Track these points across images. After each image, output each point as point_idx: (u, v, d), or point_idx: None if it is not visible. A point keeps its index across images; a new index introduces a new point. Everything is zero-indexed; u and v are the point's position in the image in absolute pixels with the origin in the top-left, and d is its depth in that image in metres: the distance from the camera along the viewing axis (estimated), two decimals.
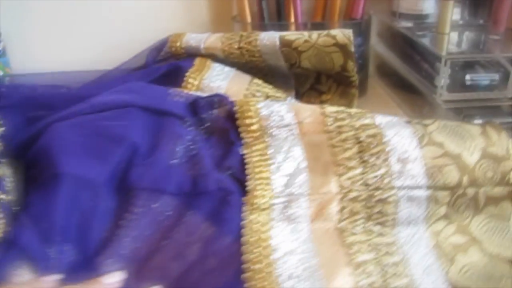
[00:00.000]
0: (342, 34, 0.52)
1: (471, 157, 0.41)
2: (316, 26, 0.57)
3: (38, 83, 0.51)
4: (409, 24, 0.66)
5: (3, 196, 0.35)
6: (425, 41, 0.60)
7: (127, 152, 0.42)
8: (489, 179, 0.41)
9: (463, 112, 0.56)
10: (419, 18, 0.66)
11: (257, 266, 0.36)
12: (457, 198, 0.41)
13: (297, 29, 0.61)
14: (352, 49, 0.52)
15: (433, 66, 0.57)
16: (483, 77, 0.55)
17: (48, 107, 0.45)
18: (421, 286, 0.36)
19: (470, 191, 0.41)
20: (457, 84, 0.55)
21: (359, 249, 0.38)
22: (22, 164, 0.39)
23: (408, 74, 0.63)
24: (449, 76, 0.55)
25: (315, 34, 0.53)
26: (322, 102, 0.49)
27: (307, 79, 0.56)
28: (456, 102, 0.56)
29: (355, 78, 0.54)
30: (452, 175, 0.41)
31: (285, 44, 0.53)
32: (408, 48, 0.64)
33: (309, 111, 0.45)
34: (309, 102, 0.55)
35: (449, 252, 0.39)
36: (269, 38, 0.54)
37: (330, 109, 0.45)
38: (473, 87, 0.55)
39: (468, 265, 0.38)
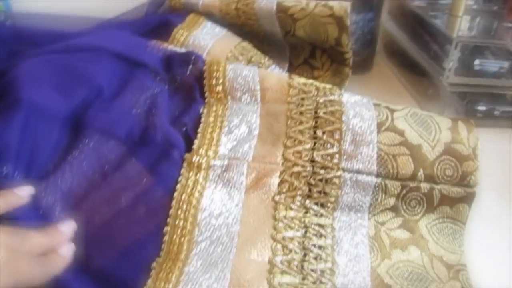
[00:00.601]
0: (340, 5, 0.49)
1: (432, 150, 0.38)
2: None
3: (35, 24, 0.52)
4: (422, 3, 0.64)
5: None
6: (437, 22, 0.58)
7: (90, 93, 0.42)
8: (448, 178, 0.38)
9: (467, 97, 0.55)
10: None
11: (181, 223, 0.35)
12: (409, 191, 0.38)
13: None
14: (348, 22, 0.49)
15: (443, 48, 0.55)
16: (492, 64, 0.54)
17: (31, 45, 0.46)
18: (341, 275, 0.34)
19: (425, 186, 0.38)
20: (465, 68, 0.54)
21: (288, 224, 0.36)
22: None
23: (416, 54, 0.61)
24: (458, 59, 0.53)
25: (312, 3, 0.50)
26: (314, 78, 0.47)
27: (301, 52, 0.54)
28: (462, 86, 0.55)
29: (349, 55, 0.51)
30: (406, 166, 0.38)
31: (281, 10, 0.51)
32: (419, 27, 0.62)
33: (276, 79, 0.43)
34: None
35: (387, 246, 0.37)
36: (267, 2, 0.52)
37: (297, 80, 0.43)
38: (481, 73, 0.54)
39: (401, 263, 0.36)
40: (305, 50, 0.55)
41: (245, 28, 0.55)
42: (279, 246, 0.35)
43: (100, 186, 0.38)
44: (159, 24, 0.54)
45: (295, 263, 0.34)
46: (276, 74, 0.45)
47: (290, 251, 0.35)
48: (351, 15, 0.49)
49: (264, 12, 0.53)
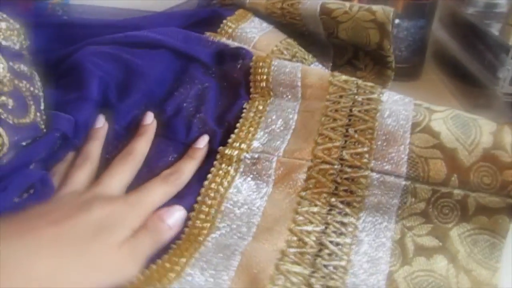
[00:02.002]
0: (383, 11, 0.48)
1: (469, 155, 0.36)
2: (378, 1, 0.53)
3: (92, 16, 0.57)
4: (476, 11, 0.63)
5: (35, 90, 0.42)
6: (492, 31, 0.57)
7: (146, 93, 0.46)
8: (486, 186, 0.35)
9: None
10: (488, 6, 0.63)
11: (206, 209, 0.38)
12: (441, 197, 0.36)
13: None
14: (390, 28, 0.48)
15: (498, 57, 0.53)
16: None
17: (90, 36, 0.51)
18: (353, 275, 0.34)
19: (459, 193, 0.36)
20: None
21: (309, 219, 0.37)
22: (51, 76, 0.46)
23: (468, 63, 0.60)
24: None
25: (356, 7, 0.50)
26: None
27: (345, 52, 0.54)
28: None
29: (392, 59, 0.50)
30: (439, 171, 0.36)
31: (325, 12, 0.51)
32: (472, 36, 0.61)
33: (318, 76, 0.44)
34: None
35: (410, 252, 0.36)
36: (312, 3, 0.52)
37: (339, 77, 0.43)
38: None
39: (422, 272, 0.34)
40: (348, 51, 0.55)
41: (290, 27, 0.56)
42: (294, 238, 0.36)
43: (141, 170, 0.41)
44: (209, 16, 0.57)
45: (308, 256, 0.35)
46: (318, 71, 0.45)
47: (305, 244, 0.35)
48: (402, 21, 0.48)
49: (308, 13, 0.54)
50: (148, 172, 0.40)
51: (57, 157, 0.40)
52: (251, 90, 0.46)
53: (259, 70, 0.45)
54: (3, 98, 0.36)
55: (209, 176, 0.40)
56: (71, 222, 0.32)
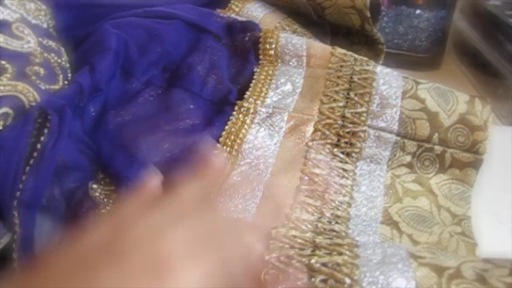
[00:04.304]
0: None
1: (448, 119, 0.44)
2: None
3: None
4: (497, 2, 0.64)
5: (62, 62, 0.45)
6: None
7: (164, 52, 0.51)
8: (460, 144, 0.44)
9: None
10: None
11: (228, 149, 0.43)
12: (424, 151, 0.44)
13: None
14: (368, 14, 0.55)
15: None
16: None
17: (107, 13, 0.55)
18: (355, 208, 0.41)
19: (438, 149, 0.44)
20: None
21: (316, 163, 0.43)
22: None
23: (488, 53, 0.61)
24: None
25: None
26: (352, 51, 0.53)
27: (339, 29, 0.61)
28: None
29: (378, 36, 0.57)
30: (423, 129, 0.44)
31: None
32: (493, 27, 0.62)
33: (321, 48, 0.50)
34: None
35: (399, 193, 0.43)
36: None
37: (339, 50, 0.50)
38: None
39: (411, 207, 0.42)
40: (342, 28, 0.62)
41: (288, 9, 0.63)
42: (306, 178, 0.42)
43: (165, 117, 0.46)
44: None
45: (318, 192, 0.41)
46: (321, 44, 0.52)
47: (315, 183, 0.42)
48: (423, 11, 0.54)
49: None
50: (173, 119, 0.45)
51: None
52: (260, 57, 0.52)
53: (268, 40, 0.51)
54: (36, 67, 0.41)
55: (229, 123, 0.45)
56: None
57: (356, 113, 0.45)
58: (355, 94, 0.46)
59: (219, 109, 0.48)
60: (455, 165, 0.44)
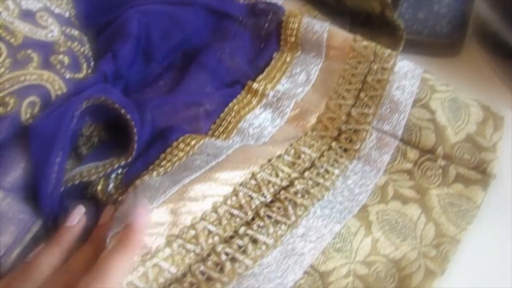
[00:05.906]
0: None
1: (455, 135, 0.43)
2: None
3: None
4: None
5: (85, 51, 0.47)
6: None
7: (185, 38, 0.52)
8: (466, 161, 0.42)
9: None
10: None
11: (225, 124, 0.46)
12: (426, 160, 0.43)
13: None
14: (389, 0, 0.52)
15: None
16: None
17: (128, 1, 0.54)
18: (332, 195, 0.40)
19: (442, 162, 0.43)
20: None
21: (309, 146, 0.44)
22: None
23: (510, 39, 0.58)
24: None
25: None
26: (373, 38, 0.52)
27: (358, 15, 0.58)
28: None
29: (398, 21, 0.54)
30: (428, 139, 0.43)
31: None
32: None
33: (342, 39, 0.49)
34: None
35: (389, 195, 0.42)
36: None
37: (360, 43, 0.49)
38: None
39: (394, 212, 0.41)
40: (361, 15, 0.59)
41: None
42: (292, 151, 0.42)
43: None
44: None
45: (299, 167, 0.41)
46: (343, 34, 0.50)
47: (299, 157, 0.42)
48: None
49: None
50: (198, 99, 0.47)
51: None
52: (281, 43, 0.52)
53: (290, 25, 0.51)
54: (60, 56, 0.42)
55: (234, 100, 0.47)
56: None
57: (362, 113, 0.45)
58: (366, 95, 0.46)
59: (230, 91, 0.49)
60: (460, 180, 0.42)
